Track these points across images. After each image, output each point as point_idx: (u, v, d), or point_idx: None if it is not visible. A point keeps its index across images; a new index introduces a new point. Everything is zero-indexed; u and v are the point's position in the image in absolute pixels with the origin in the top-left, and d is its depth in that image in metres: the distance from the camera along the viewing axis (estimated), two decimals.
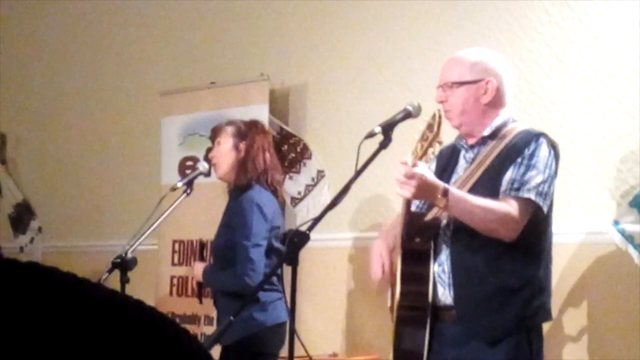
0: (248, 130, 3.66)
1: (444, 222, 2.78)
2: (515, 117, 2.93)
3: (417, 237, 2.76)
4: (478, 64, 2.83)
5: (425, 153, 2.55)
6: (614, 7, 3.57)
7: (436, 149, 2.57)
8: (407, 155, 2.62)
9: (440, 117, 2.56)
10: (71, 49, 5.62)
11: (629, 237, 3.40)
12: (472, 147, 2.86)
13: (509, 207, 2.65)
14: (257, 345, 3.48)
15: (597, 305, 3.53)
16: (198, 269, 3.62)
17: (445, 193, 2.58)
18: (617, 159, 3.52)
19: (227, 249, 3.51)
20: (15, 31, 5.88)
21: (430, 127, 2.56)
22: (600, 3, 3.61)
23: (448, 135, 3.01)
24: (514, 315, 2.70)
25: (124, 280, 3.22)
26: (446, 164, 2.86)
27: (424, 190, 2.57)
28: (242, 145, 3.61)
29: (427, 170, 2.60)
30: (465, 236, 2.71)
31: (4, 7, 5.87)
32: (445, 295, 2.76)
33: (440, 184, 2.60)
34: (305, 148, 4.49)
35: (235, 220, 3.52)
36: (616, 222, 3.44)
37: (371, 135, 2.70)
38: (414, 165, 2.55)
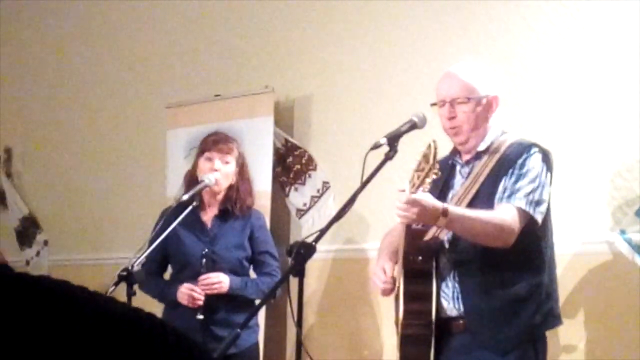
0: (243, 157, 3.80)
1: (445, 239, 2.80)
2: (515, 127, 2.95)
3: (419, 257, 2.77)
4: (485, 79, 2.88)
5: (422, 183, 2.57)
6: (616, 17, 3.58)
7: (432, 179, 2.59)
8: (406, 180, 2.64)
9: (435, 148, 2.58)
10: (77, 62, 5.64)
11: (635, 247, 3.39)
12: (467, 162, 2.90)
13: (504, 215, 2.68)
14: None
15: (593, 314, 3.52)
16: (225, 280, 3.60)
17: (445, 213, 2.59)
18: (624, 169, 3.52)
19: (247, 261, 3.73)
20: (21, 45, 5.90)
21: (426, 157, 2.58)
22: (603, 14, 3.62)
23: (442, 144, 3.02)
24: (523, 326, 2.72)
25: (131, 293, 3.22)
26: (442, 179, 2.87)
27: (424, 214, 2.59)
28: (237, 170, 3.74)
29: (425, 194, 2.62)
30: (468, 252, 2.73)
31: (9, 20, 5.90)
32: (450, 308, 2.77)
33: (440, 205, 2.61)
34: (310, 160, 4.49)
35: (258, 235, 3.77)
36: (623, 232, 3.44)
37: (377, 146, 2.72)
38: (411, 194, 2.57)
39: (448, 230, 2.72)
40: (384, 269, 2.89)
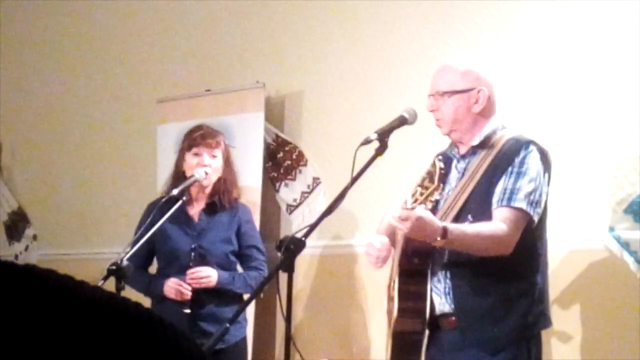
0: (227, 149, 3.81)
1: None
2: (510, 124, 2.93)
3: (415, 258, 2.76)
4: (469, 73, 2.84)
5: (424, 200, 2.55)
6: (613, 13, 3.58)
7: (435, 198, 2.59)
8: (407, 191, 2.63)
9: (441, 168, 2.57)
10: (67, 57, 5.62)
11: (624, 244, 3.41)
12: (463, 157, 2.88)
13: (502, 225, 2.65)
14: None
15: (590, 311, 3.53)
16: (214, 274, 3.60)
17: (444, 235, 2.57)
18: (613, 166, 3.53)
19: (234, 255, 3.72)
20: (12, 40, 5.87)
21: (430, 175, 2.57)
22: (598, 7, 3.62)
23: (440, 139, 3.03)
24: (515, 325, 2.71)
25: (120, 288, 3.21)
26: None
27: (420, 231, 2.56)
28: (223, 162, 3.74)
29: (424, 212, 2.57)
30: (462, 252, 2.72)
31: (2, 15, 5.87)
32: (442, 303, 2.77)
33: (439, 225, 2.57)
34: (300, 155, 4.49)
35: (245, 229, 3.77)
36: (611, 229, 3.45)
37: (367, 141, 2.71)
38: (412, 208, 2.55)
39: (446, 247, 2.70)
40: (379, 241, 2.87)
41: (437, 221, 2.58)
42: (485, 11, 3.93)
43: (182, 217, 3.67)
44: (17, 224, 5.72)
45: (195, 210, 3.74)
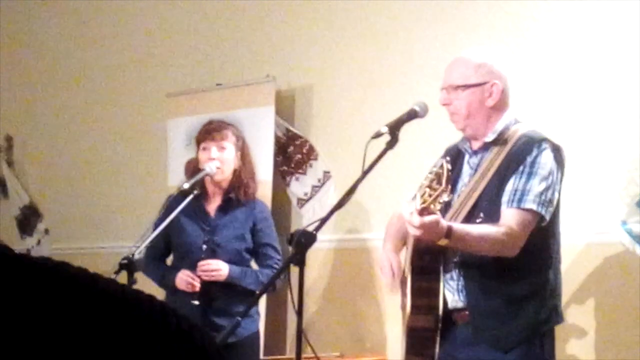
0: (242, 141, 3.80)
1: None
2: (523, 119, 2.90)
3: (427, 255, 2.76)
4: (483, 66, 2.80)
5: (434, 202, 2.54)
6: (620, 10, 3.56)
7: (444, 200, 2.57)
8: (415, 188, 2.61)
9: (448, 170, 2.55)
10: (77, 51, 5.63)
11: (636, 237, 3.39)
12: (475, 152, 2.84)
13: (509, 227, 2.62)
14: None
15: (605, 304, 3.52)
16: (224, 267, 3.61)
17: (448, 235, 2.54)
18: (627, 160, 3.51)
19: (248, 253, 3.73)
20: (20, 34, 5.89)
21: (438, 177, 2.54)
22: (614, 2, 3.61)
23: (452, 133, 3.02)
24: (527, 323, 2.70)
25: (131, 282, 3.24)
26: (452, 168, 2.84)
27: (428, 234, 2.53)
28: (239, 155, 3.74)
29: (433, 217, 2.52)
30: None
31: (8, 9, 5.89)
32: (455, 300, 2.76)
33: (444, 225, 2.54)
34: (311, 149, 4.49)
35: (261, 227, 3.77)
36: (624, 222, 3.44)
37: (378, 135, 2.70)
38: (421, 209, 2.50)
39: (451, 247, 2.68)
40: (390, 265, 2.85)
41: (442, 221, 2.56)
42: (496, 6, 3.92)
43: (198, 213, 3.72)
44: (29, 218, 5.74)
45: (212, 206, 3.76)
